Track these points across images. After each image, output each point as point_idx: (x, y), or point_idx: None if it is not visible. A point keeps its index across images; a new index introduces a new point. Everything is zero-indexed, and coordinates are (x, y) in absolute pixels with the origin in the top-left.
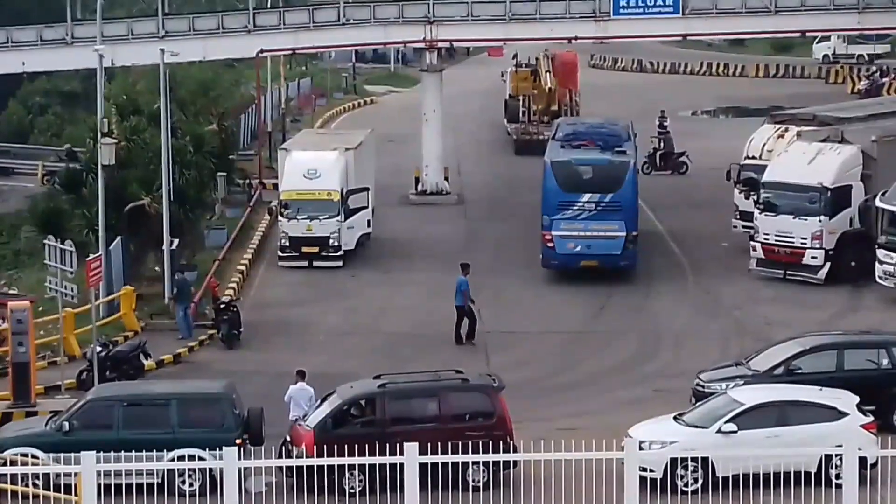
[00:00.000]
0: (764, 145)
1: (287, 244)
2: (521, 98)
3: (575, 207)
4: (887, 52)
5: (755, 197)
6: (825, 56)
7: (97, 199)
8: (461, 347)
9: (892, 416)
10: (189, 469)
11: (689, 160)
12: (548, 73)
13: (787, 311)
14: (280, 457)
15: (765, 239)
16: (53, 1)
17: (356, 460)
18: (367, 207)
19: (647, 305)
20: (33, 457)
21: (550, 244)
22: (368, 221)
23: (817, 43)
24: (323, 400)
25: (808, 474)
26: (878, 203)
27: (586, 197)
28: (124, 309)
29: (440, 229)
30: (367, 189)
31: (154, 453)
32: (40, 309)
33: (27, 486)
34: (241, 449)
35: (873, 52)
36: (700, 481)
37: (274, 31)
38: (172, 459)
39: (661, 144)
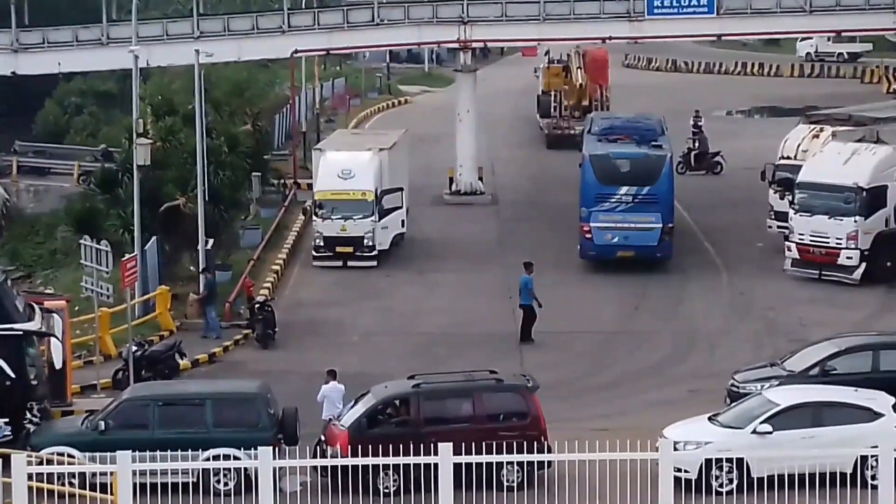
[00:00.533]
0: (799, 145)
1: (321, 244)
2: (552, 93)
3: (613, 200)
4: (867, 51)
5: (790, 197)
6: (808, 54)
7: (133, 199)
8: (495, 347)
9: None
10: (224, 468)
11: (723, 160)
12: (579, 70)
13: (822, 311)
14: (314, 457)
15: (800, 239)
16: (89, 1)
17: (390, 460)
18: (401, 207)
19: (681, 306)
20: (69, 456)
21: (588, 235)
22: (402, 221)
23: (800, 41)
24: (357, 400)
25: (843, 475)
26: None
27: (624, 189)
28: (160, 308)
29: (474, 229)
30: (401, 189)
31: (189, 453)
32: (76, 308)
33: (63, 485)
34: (276, 449)
35: (854, 50)
36: (735, 482)
37: (308, 31)
38: (207, 459)
39: (696, 144)
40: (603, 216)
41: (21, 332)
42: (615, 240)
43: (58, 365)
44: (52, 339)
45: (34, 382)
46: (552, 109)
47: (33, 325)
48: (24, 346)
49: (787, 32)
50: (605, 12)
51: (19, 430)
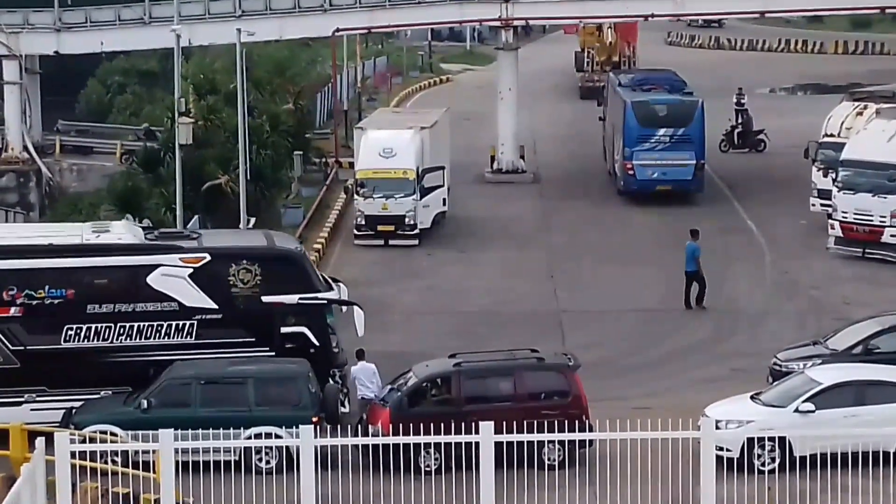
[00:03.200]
0: (843, 123)
1: (363, 223)
2: (586, 51)
3: (652, 140)
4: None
5: (833, 175)
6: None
7: (175, 178)
8: (538, 326)
9: None
10: (266, 447)
11: (767, 138)
12: (609, 29)
13: (866, 290)
14: (356, 435)
15: (843, 217)
16: None
17: (432, 439)
18: (442, 186)
19: (724, 284)
20: (112, 434)
21: (631, 172)
22: (444, 200)
23: None
24: (397, 379)
25: (886, 454)
26: None
27: (662, 131)
28: None
29: (516, 208)
30: (442, 168)
31: (231, 431)
32: None
33: (106, 462)
34: (318, 427)
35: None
36: (777, 461)
37: (350, 9)
38: (249, 437)
39: (739, 122)
40: (644, 155)
41: (326, 302)
42: (655, 175)
43: (360, 333)
44: (355, 308)
45: (336, 350)
46: (585, 64)
47: (335, 295)
48: (327, 315)
49: (831, 9)
50: None
51: None
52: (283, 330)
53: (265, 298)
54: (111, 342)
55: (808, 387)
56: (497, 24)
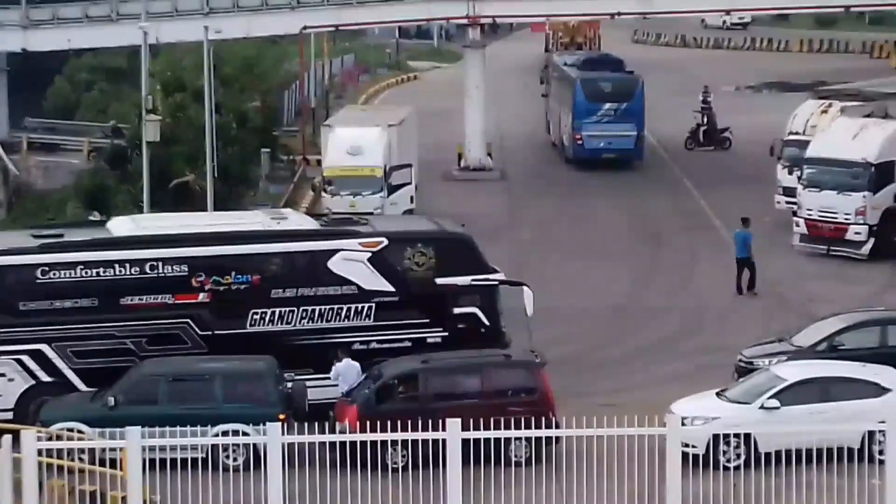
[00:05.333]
0: (808, 121)
1: None
2: (551, 32)
3: (599, 114)
4: (749, 21)
5: (798, 172)
6: (724, 21)
7: (142, 175)
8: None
9: None
10: (233, 444)
11: (731, 136)
12: None
13: (831, 286)
14: (324, 432)
15: (808, 214)
16: None
17: (399, 436)
18: (410, 184)
19: (689, 282)
20: (79, 431)
21: (580, 142)
22: (411, 198)
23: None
24: (367, 376)
25: (850, 450)
26: None
27: (607, 106)
28: None
29: (483, 205)
30: (409, 165)
31: (198, 428)
32: None
33: (73, 460)
34: (285, 424)
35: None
36: (742, 457)
37: (318, 7)
38: (217, 434)
39: (705, 120)
40: (591, 127)
41: (496, 283)
42: (601, 145)
43: (529, 312)
44: (525, 288)
45: (504, 330)
46: (550, 45)
47: (503, 275)
48: (497, 296)
49: (796, 8)
50: None
51: None
52: (456, 311)
53: (439, 280)
54: (294, 326)
55: (774, 383)
56: (464, 21)
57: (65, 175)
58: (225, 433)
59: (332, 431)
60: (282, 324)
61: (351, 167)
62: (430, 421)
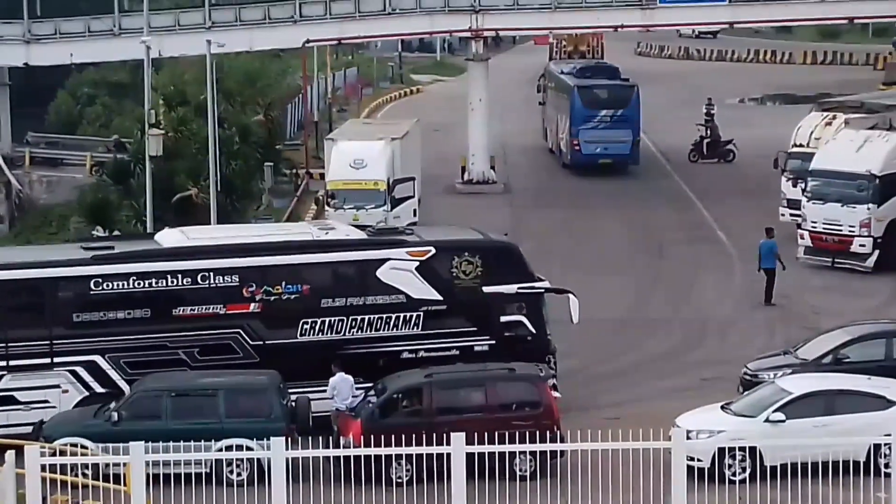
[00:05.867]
0: (812, 133)
1: None
2: (555, 41)
3: (595, 120)
4: (717, 31)
5: (803, 185)
6: (693, 31)
7: (145, 189)
8: None
9: None
10: (237, 459)
11: (735, 148)
12: None
13: (836, 299)
14: (328, 447)
15: (812, 227)
16: None
17: (403, 450)
18: (413, 197)
19: (693, 294)
20: (83, 447)
21: (577, 147)
22: (414, 211)
23: None
24: (368, 390)
25: (856, 464)
26: None
27: (603, 112)
28: None
29: (487, 218)
30: (412, 178)
31: (202, 443)
32: None
33: (77, 475)
34: (289, 439)
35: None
36: (748, 471)
37: (320, 21)
38: (220, 449)
39: (708, 132)
40: (588, 133)
41: (542, 290)
42: (598, 150)
43: (575, 320)
44: (570, 296)
45: (549, 337)
46: (555, 53)
47: (548, 283)
48: (543, 304)
49: (799, 20)
50: (617, 1)
51: None
52: (502, 319)
53: (486, 289)
54: (343, 335)
55: (779, 396)
56: (467, 34)
57: (67, 190)
58: (228, 448)
59: (336, 446)
60: (331, 333)
61: (354, 180)
62: (434, 435)
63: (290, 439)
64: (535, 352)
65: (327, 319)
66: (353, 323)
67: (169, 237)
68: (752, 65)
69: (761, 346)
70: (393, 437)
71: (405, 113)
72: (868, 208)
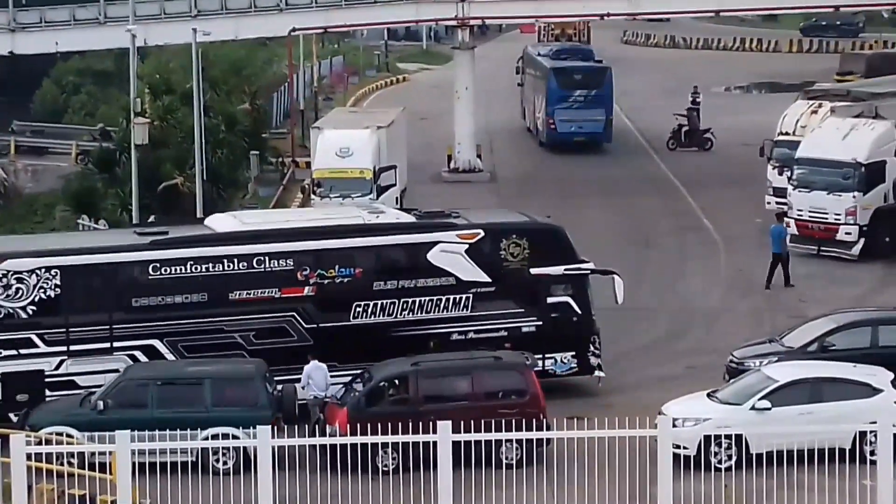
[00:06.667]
0: (797, 121)
1: None
2: (542, 24)
3: (570, 100)
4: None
5: (788, 173)
6: None
7: (130, 178)
8: None
9: None
10: (223, 447)
11: (713, 137)
12: None
13: (821, 287)
14: (314, 435)
15: (798, 215)
16: None
17: (390, 438)
18: (395, 185)
19: (679, 283)
20: (68, 435)
21: (553, 126)
22: (397, 199)
23: None
24: (355, 378)
25: (842, 451)
26: None
27: (578, 92)
28: None
29: (473, 206)
30: (394, 167)
31: (188, 432)
32: None
33: (62, 464)
34: (275, 427)
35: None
36: (734, 458)
37: (306, 9)
38: (206, 438)
39: (689, 121)
40: (563, 112)
41: (588, 272)
42: (572, 129)
43: (620, 300)
44: (615, 277)
45: (594, 317)
46: (542, 36)
47: (593, 265)
48: (588, 285)
49: (785, 8)
50: None
51: (584, 364)
52: (549, 300)
53: (533, 270)
54: (395, 317)
55: (765, 384)
56: (453, 23)
57: (53, 178)
58: (214, 436)
59: (323, 434)
60: (383, 315)
61: (340, 169)
62: (420, 423)
63: (276, 428)
64: (581, 332)
65: (379, 302)
66: (404, 305)
67: (222, 222)
68: (738, 53)
69: (747, 334)
70: (379, 425)
71: (391, 101)
72: (854, 196)
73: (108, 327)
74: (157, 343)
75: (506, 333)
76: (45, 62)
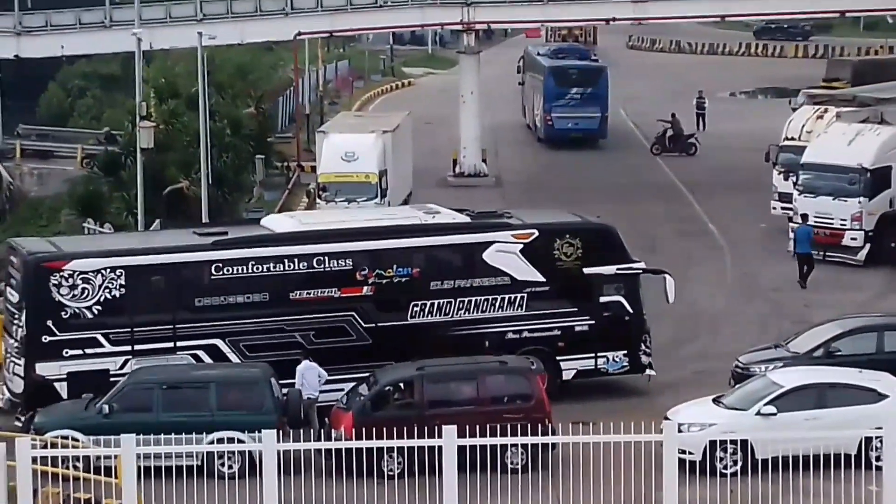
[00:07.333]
0: (803, 126)
1: None
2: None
3: (567, 97)
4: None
5: (794, 178)
6: None
7: (136, 182)
8: None
9: None
10: (228, 452)
11: (698, 142)
12: None
13: (827, 292)
14: (319, 439)
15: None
16: None
17: (395, 443)
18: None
19: (685, 287)
20: (74, 439)
21: (550, 122)
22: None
23: None
24: (360, 382)
25: (847, 457)
26: None
27: (574, 90)
28: None
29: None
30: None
31: (193, 436)
32: None
33: (68, 468)
34: (280, 431)
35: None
36: (739, 464)
37: (311, 13)
38: (212, 442)
39: (673, 126)
40: (560, 109)
41: (640, 271)
42: (569, 125)
43: (671, 299)
44: (666, 276)
45: (645, 316)
46: (548, 36)
47: (644, 264)
48: (639, 284)
49: (790, 14)
50: None
51: (635, 363)
52: (602, 299)
53: (586, 270)
54: (451, 317)
55: (770, 390)
56: (459, 27)
57: (58, 182)
58: (220, 441)
59: (328, 438)
60: (440, 315)
61: (346, 173)
62: (426, 428)
63: (281, 432)
64: (632, 331)
65: (436, 301)
66: (461, 305)
67: (280, 222)
68: (744, 58)
69: (753, 339)
70: (384, 429)
71: (397, 106)
72: (859, 202)
73: (171, 327)
74: (219, 342)
75: (559, 332)
76: (51, 66)
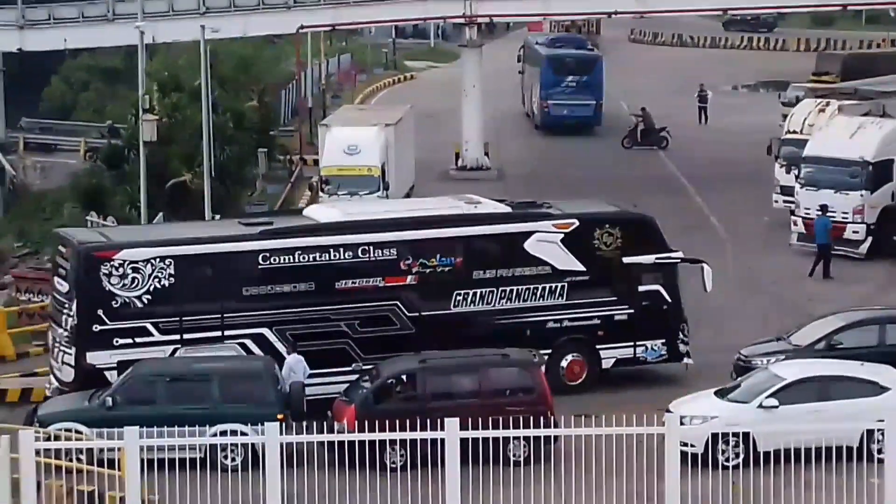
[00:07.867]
0: (805, 119)
1: None
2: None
3: (563, 85)
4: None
5: (796, 171)
6: None
7: (139, 175)
8: None
9: None
10: (231, 444)
11: (669, 136)
12: None
13: (829, 285)
14: (321, 432)
15: (806, 214)
16: None
17: (397, 435)
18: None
19: (687, 281)
20: (77, 432)
21: (546, 109)
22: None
23: None
24: (362, 375)
25: (849, 449)
26: None
27: (570, 78)
28: None
29: None
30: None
31: (196, 428)
32: None
33: (71, 460)
34: (283, 424)
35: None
36: (741, 456)
37: (314, 6)
38: (215, 434)
39: (645, 120)
40: (556, 96)
41: (678, 261)
42: (565, 112)
43: (708, 289)
44: (704, 266)
45: (682, 305)
46: (551, 30)
47: (682, 254)
48: (677, 274)
49: (792, 7)
50: None
51: (673, 351)
52: (641, 289)
53: (625, 259)
54: (493, 306)
55: (772, 382)
56: (461, 21)
57: (61, 175)
58: (223, 433)
59: (331, 431)
60: (482, 304)
61: (348, 166)
62: (428, 421)
63: (284, 424)
64: (670, 320)
65: (478, 291)
66: (503, 294)
67: (324, 212)
68: (746, 52)
69: (755, 332)
70: (387, 422)
71: (399, 99)
72: (861, 195)
73: (219, 316)
74: (266, 331)
75: (599, 321)
76: (54, 59)
